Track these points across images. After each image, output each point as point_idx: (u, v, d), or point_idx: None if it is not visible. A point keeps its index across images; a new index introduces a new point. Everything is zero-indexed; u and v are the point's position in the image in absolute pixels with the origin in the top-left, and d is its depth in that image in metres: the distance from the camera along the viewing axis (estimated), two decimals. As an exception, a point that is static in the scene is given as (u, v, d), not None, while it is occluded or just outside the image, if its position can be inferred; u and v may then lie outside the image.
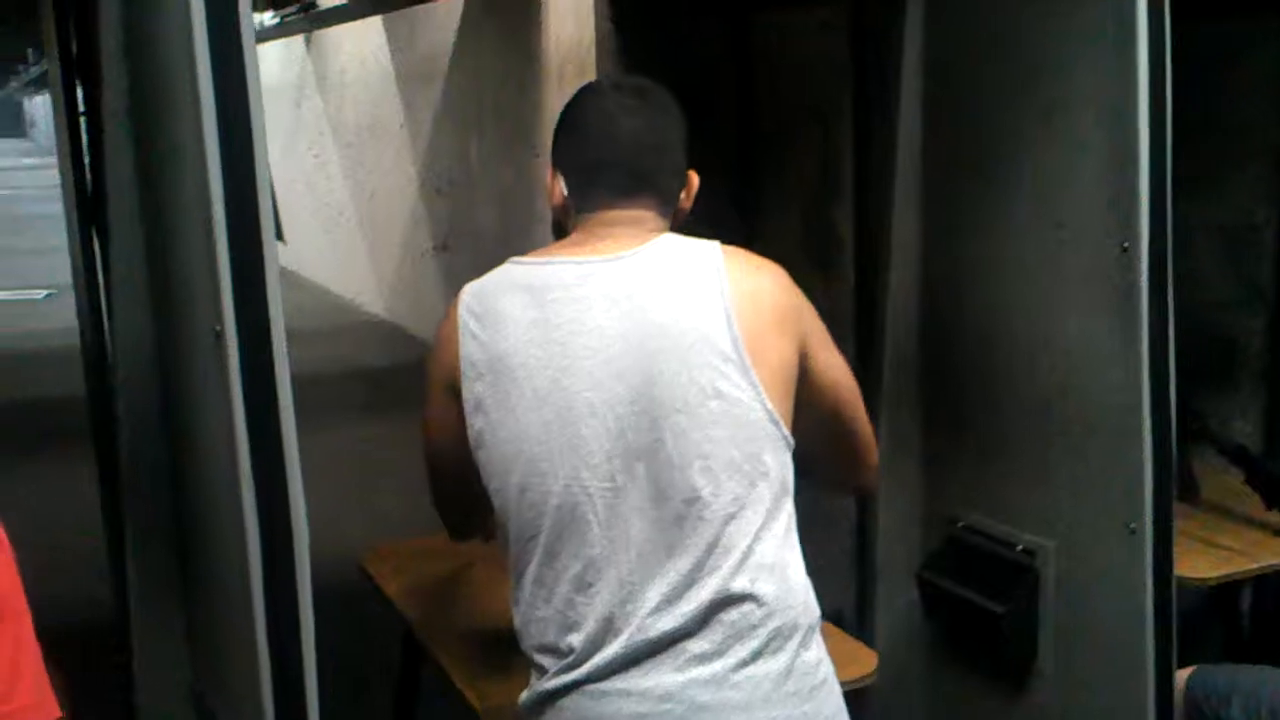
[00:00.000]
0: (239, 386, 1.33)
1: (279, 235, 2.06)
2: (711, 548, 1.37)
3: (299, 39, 10.82)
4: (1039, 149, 2.05)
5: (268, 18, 9.72)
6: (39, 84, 23.46)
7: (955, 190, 2.23)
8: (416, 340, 7.93)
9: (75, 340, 2.28)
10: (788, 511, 1.44)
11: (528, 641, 1.45)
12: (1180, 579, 2.23)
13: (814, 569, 1.52)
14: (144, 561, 1.77)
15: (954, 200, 2.24)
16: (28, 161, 26.78)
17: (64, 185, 2.28)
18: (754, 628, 1.38)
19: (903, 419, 2.36)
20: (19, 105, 41.48)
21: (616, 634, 1.38)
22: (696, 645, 1.37)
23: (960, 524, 2.27)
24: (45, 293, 9.71)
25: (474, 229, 7.29)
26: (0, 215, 15.43)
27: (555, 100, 5.55)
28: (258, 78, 1.34)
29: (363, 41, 8.99)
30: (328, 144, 10.43)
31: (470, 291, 1.48)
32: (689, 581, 1.37)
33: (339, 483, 4.90)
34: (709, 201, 2.98)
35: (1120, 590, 1.98)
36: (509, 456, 1.42)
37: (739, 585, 1.37)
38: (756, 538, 1.39)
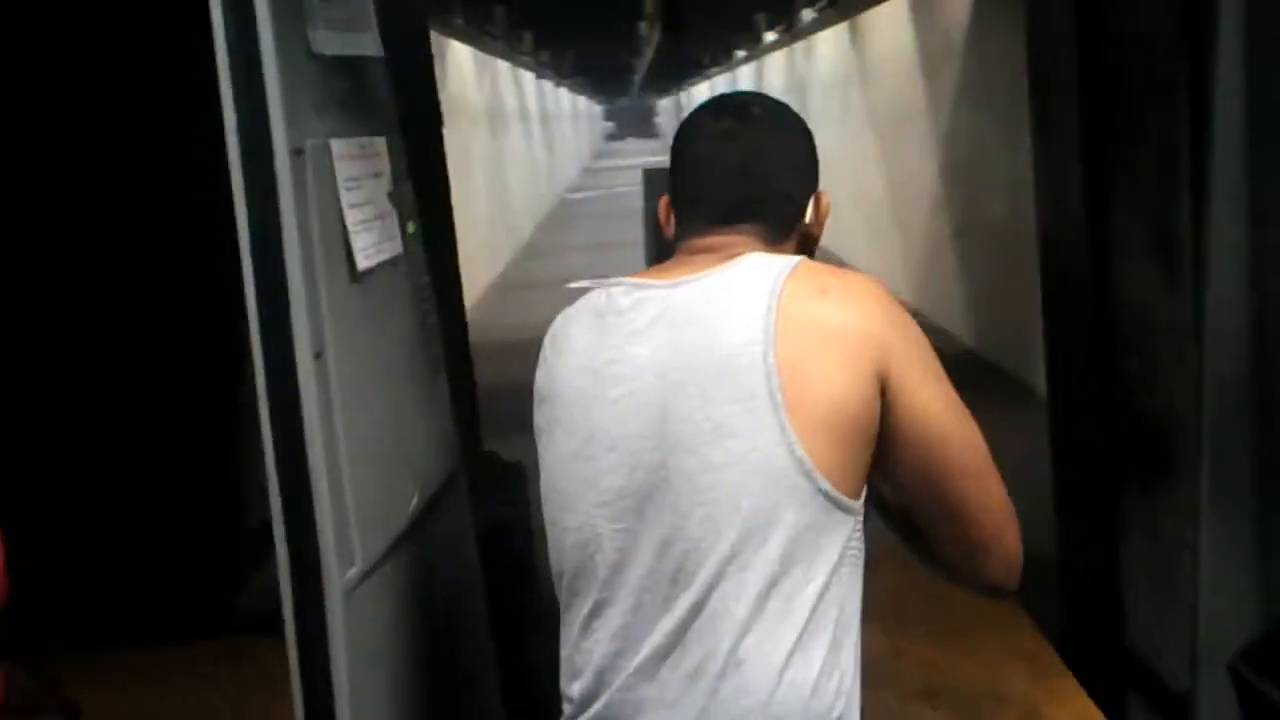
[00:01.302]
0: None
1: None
2: (697, 610, 1.21)
3: (844, 32, 10.95)
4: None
5: (806, 14, 9.97)
6: (653, 87, 25.68)
7: None
8: (933, 329, 7.72)
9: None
10: (818, 587, 1.21)
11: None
12: None
13: (1150, 635, 1.28)
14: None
15: None
16: (651, 160, 29.32)
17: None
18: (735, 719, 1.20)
19: (1230, 461, 1.95)
20: (650, 108, 45.84)
21: (605, 688, 1.26)
22: None
23: (1293, 600, 1.84)
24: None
25: (986, 217, 6.95)
26: (600, 212, 17.14)
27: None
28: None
29: (895, 26, 8.90)
30: (865, 132, 10.47)
31: (561, 314, 1.41)
32: (672, 644, 1.22)
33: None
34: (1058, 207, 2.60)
35: None
36: (543, 487, 1.36)
37: (722, 662, 1.20)
38: (757, 610, 1.20)
